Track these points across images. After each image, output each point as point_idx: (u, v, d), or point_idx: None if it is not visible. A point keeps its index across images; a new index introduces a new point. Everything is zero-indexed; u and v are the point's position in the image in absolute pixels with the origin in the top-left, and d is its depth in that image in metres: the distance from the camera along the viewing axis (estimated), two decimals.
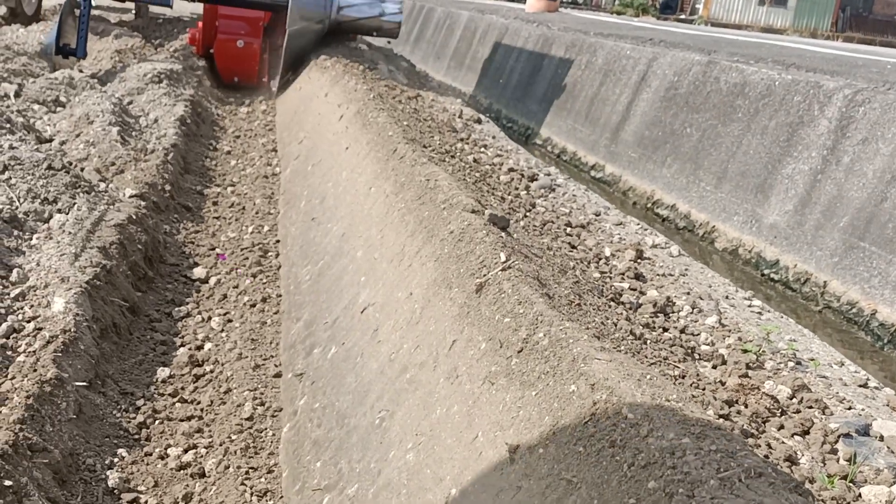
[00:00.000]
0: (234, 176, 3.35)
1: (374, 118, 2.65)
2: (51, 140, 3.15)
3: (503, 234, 1.86)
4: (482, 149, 3.35)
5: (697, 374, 1.73)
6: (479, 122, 3.99)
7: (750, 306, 2.35)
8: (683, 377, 1.68)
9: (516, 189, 2.92)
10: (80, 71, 4.69)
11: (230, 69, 5.83)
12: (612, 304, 2.00)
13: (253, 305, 2.68)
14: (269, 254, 2.98)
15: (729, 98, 5.09)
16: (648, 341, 1.78)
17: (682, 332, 2.04)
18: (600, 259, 2.49)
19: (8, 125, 2.84)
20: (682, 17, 40.12)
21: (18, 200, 2.57)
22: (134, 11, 5.82)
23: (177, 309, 2.67)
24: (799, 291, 3.91)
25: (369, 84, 3.24)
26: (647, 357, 1.65)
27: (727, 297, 2.38)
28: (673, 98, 5.61)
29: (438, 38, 11.12)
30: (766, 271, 4.20)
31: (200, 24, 5.91)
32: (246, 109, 4.55)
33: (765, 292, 4.09)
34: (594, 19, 10.23)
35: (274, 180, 3.25)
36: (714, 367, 1.85)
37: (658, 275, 2.43)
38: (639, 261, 2.54)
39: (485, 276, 1.59)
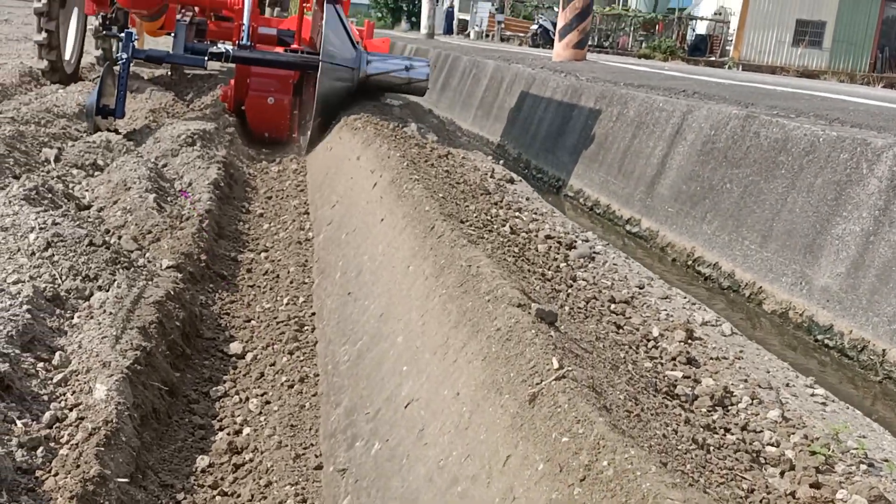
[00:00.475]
0: (268, 240, 3.31)
1: (409, 189, 2.59)
2: (89, 207, 3.14)
3: (552, 330, 1.77)
4: (517, 213, 3.28)
5: (766, 486, 1.62)
6: (511, 181, 3.93)
7: (813, 395, 2.22)
8: (752, 491, 1.56)
9: (555, 260, 2.83)
10: (117, 132, 4.73)
11: (261, 125, 5.88)
12: (668, 399, 1.89)
13: (291, 386, 2.61)
14: (305, 328, 2.91)
15: (770, 154, 4.98)
16: (712, 448, 1.67)
17: (743, 429, 1.92)
18: (649, 341, 2.38)
19: (50, 195, 2.83)
20: (713, 58, 40.22)
21: (61, 278, 2.54)
22: (169, 73, 5.87)
23: (214, 388, 2.61)
24: (856, 360, 3.75)
25: (401, 149, 3.19)
26: (713, 471, 1.54)
27: (788, 385, 2.26)
28: (710, 152, 5.51)
29: (465, 86, 11.17)
30: (819, 337, 4.05)
31: (232, 81, 5.97)
32: (277, 168, 4.54)
33: (819, 359, 3.94)
34: (623, 67, 10.20)
35: (307, 246, 3.20)
36: (782, 473, 1.74)
37: (711, 358, 2.32)
38: (689, 341, 2.43)
39: (537, 384, 1.50)
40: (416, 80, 5.58)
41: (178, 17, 5.57)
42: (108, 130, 4.83)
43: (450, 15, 39.33)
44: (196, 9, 5.93)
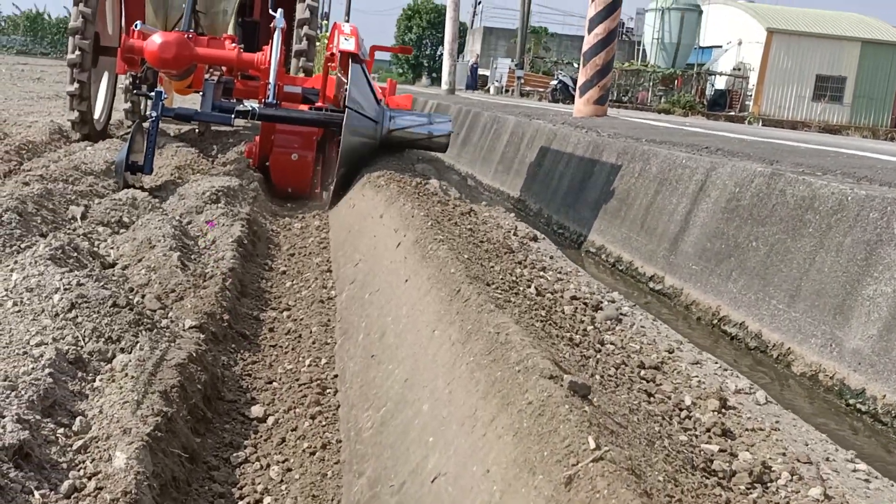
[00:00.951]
0: (290, 299, 3.29)
1: (433, 251, 2.56)
2: (114, 265, 3.14)
3: (586, 404, 1.71)
4: (541, 272, 3.24)
5: None
6: (534, 239, 3.90)
7: (854, 471, 2.13)
8: None
9: (582, 322, 2.77)
10: (143, 188, 4.77)
11: (285, 181, 5.94)
12: (706, 477, 1.81)
13: (313, 453, 2.55)
14: (328, 391, 2.86)
15: (797, 212, 4.93)
16: None
17: None
18: (682, 410, 2.30)
19: (75, 254, 2.83)
20: (732, 113, 40.30)
21: (84, 340, 2.52)
22: (198, 131, 5.96)
23: (235, 454, 2.55)
24: (890, 426, 3.62)
25: (425, 207, 3.18)
26: None
27: (828, 459, 2.17)
28: (735, 210, 5.46)
29: (485, 142, 11.26)
30: (851, 401, 3.93)
31: (257, 138, 6.04)
32: (300, 225, 4.54)
33: (851, 424, 3.82)
34: (644, 123, 10.25)
35: (330, 305, 3.17)
36: None
37: (747, 430, 2.24)
38: (724, 411, 2.35)
39: (573, 465, 1.44)
40: (438, 136, 5.62)
41: (206, 76, 5.68)
42: (135, 187, 4.88)
43: (473, 71, 40.00)
44: (223, 68, 6.04)
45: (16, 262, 2.53)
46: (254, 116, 5.37)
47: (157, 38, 5.41)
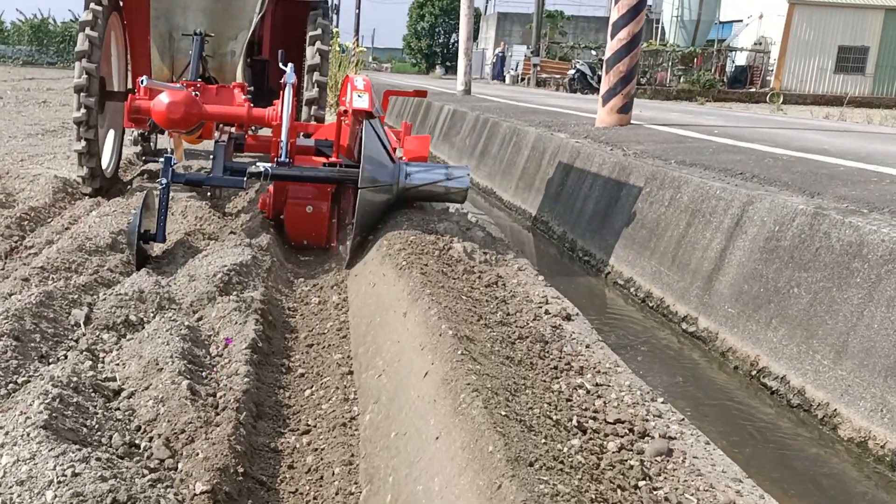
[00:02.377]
0: (309, 416, 3.08)
1: (467, 405, 2.32)
2: (120, 392, 2.96)
3: None
4: (579, 376, 3.00)
5: None
6: (568, 318, 3.65)
7: None
8: None
9: (631, 468, 2.46)
10: (153, 258, 4.60)
11: (300, 233, 5.75)
12: None
13: None
14: None
15: (843, 259, 4.63)
16: None
17: None
18: None
19: (76, 399, 2.63)
20: (753, 90, 39.49)
21: None
22: (209, 193, 5.77)
23: None
24: None
25: (452, 321, 2.94)
26: None
27: None
28: (775, 251, 5.17)
29: (505, 154, 10.97)
30: None
31: (271, 189, 5.84)
32: (317, 299, 4.33)
33: None
34: (668, 135, 9.90)
35: (352, 430, 2.95)
36: None
37: None
38: None
39: None
40: (455, 190, 5.39)
41: (217, 135, 5.48)
42: (147, 258, 4.72)
43: (501, 60, 39.54)
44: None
45: (7, 420, 2.35)
46: (267, 177, 5.17)
47: (164, 98, 5.21)
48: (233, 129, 5.93)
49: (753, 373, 4.94)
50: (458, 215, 5.52)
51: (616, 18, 10.06)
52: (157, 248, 4.92)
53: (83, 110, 6.38)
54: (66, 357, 3.19)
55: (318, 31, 6.71)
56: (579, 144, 8.84)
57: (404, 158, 5.97)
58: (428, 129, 16.02)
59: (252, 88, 6.73)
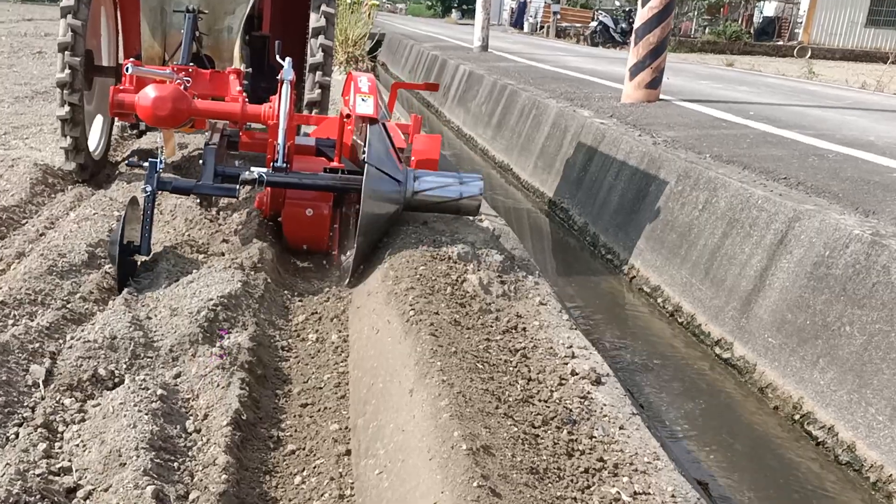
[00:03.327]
0: None
1: None
2: (76, 490, 2.54)
3: None
4: (613, 479, 2.56)
5: None
6: (598, 381, 3.20)
7: None
8: None
9: None
10: (132, 281, 4.14)
11: (299, 237, 5.29)
12: None
13: None
14: None
15: None
16: None
17: None
18: None
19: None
20: (781, 43, 38.19)
21: None
22: (199, 201, 5.26)
23: None
24: None
25: (465, 421, 2.49)
26: None
27: None
28: (824, 279, 4.65)
29: (523, 128, 10.35)
30: None
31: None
32: (314, 336, 3.89)
33: None
34: (702, 116, 9.25)
35: None
36: None
37: None
38: None
39: None
40: (468, 200, 4.86)
41: (207, 134, 4.93)
42: (130, 272, 4.26)
43: (522, 7, 38.17)
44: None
45: None
46: (262, 184, 4.67)
47: (150, 93, 4.68)
48: (226, 125, 5.39)
49: (796, 417, 4.48)
50: (472, 228, 5.01)
51: None
52: (143, 266, 4.44)
53: (67, 70, 5.84)
54: (16, 436, 2.76)
55: (322, 23, 6.08)
56: (604, 126, 8.23)
57: (413, 160, 5.43)
58: (443, 89, 15.32)
59: (250, 70, 6.15)
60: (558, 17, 35.04)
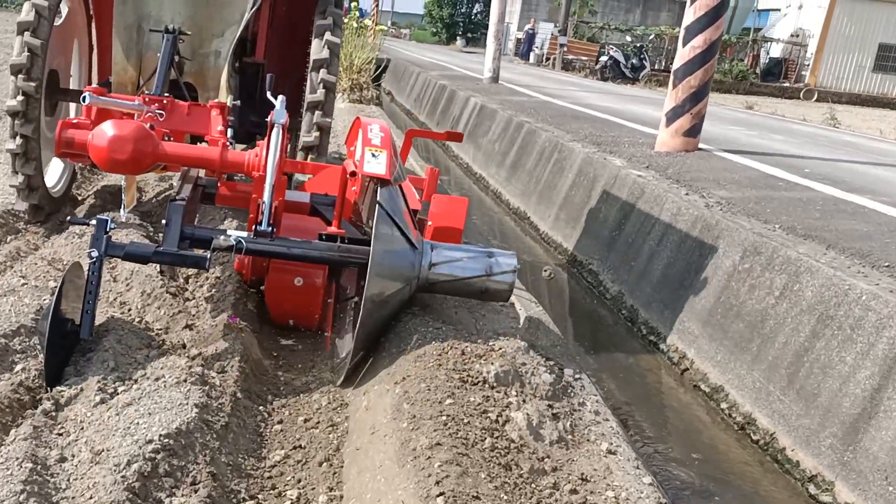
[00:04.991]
0: None
1: None
2: None
3: None
4: None
5: None
6: None
7: None
8: None
9: None
10: (58, 391, 3.06)
11: (285, 310, 4.25)
12: None
13: None
14: None
15: None
16: None
17: None
18: None
19: None
20: (787, 84, 37.63)
21: None
22: (159, 269, 4.14)
23: None
24: None
25: None
26: None
27: None
28: None
29: (543, 173, 9.29)
30: None
31: None
32: (295, 495, 2.78)
33: None
34: (750, 169, 8.20)
35: None
36: None
37: None
38: None
39: None
40: (499, 281, 3.80)
41: (176, 184, 3.83)
42: (63, 363, 3.22)
43: (530, 38, 37.35)
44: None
45: None
46: (241, 251, 3.57)
47: (107, 130, 3.64)
48: (201, 173, 4.30)
49: None
50: (502, 317, 3.91)
51: (690, 22, 8.33)
52: (86, 336, 3.37)
53: (20, 97, 4.80)
54: None
55: (325, 54, 5.03)
56: (643, 180, 7.16)
57: (429, 225, 4.34)
58: (450, 122, 14.29)
59: (238, 102, 5.08)
60: (565, 49, 34.26)
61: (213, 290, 4.20)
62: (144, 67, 5.29)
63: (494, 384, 3.07)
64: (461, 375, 3.05)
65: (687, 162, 8.06)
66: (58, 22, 5.58)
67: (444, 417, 2.73)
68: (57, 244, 4.56)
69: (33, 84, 4.83)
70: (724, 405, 4.97)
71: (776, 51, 39.34)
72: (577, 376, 3.47)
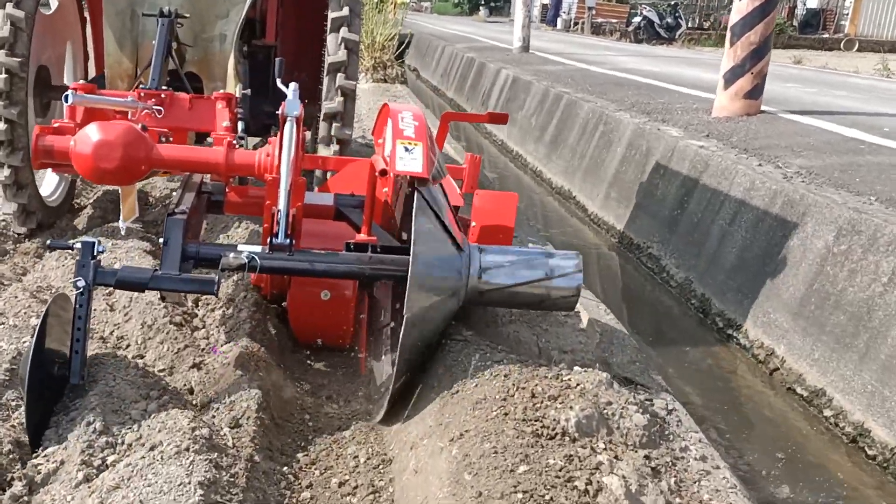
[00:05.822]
0: None
1: None
2: None
3: None
4: None
5: None
6: None
7: None
8: None
9: None
10: (33, 465, 2.54)
11: (311, 328, 3.68)
12: None
13: None
14: None
15: None
16: None
17: None
18: None
19: None
20: (826, 36, 36.11)
21: None
22: (160, 296, 3.52)
23: None
24: None
25: None
26: None
27: None
28: None
29: (588, 148, 8.53)
30: None
31: None
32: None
33: None
34: (824, 132, 7.37)
35: None
36: None
37: None
38: None
39: None
40: (561, 287, 3.14)
41: (174, 199, 3.19)
42: (50, 413, 2.68)
43: (556, 3, 36.14)
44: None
45: None
46: (254, 270, 2.95)
47: (91, 135, 3.07)
48: (206, 177, 3.67)
49: None
50: (568, 331, 3.25)
51: None
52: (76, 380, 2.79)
53: (3, 75, 4.26)
54: None
55: (345, 12, 4.36)
56: (706, 151, 6.40)
57: (473, 226, 3.68)
58: (481, 96, 13.54)
59: (248, 92, 4.45)
60: (593, 12, 33.05)
61: (227, 314, 3.59)
62: (141, 58, 4.69)
63: (577, 436, 2.41)
64: (534, 428, 2.40)
65: (751, 127, 7.26)
66: (47, 12, 5.02)
67: (519, 495, 2.08)
68: (48, 266, 3.98)
69: (17, 60, 4.27)
70: (826, 412, 4.26)
71: (813, 2, 37.78)
72: (670, 407, 2.81)
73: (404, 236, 3.50)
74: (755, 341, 4.98)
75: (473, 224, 3.68)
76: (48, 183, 5.08)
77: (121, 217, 4.02)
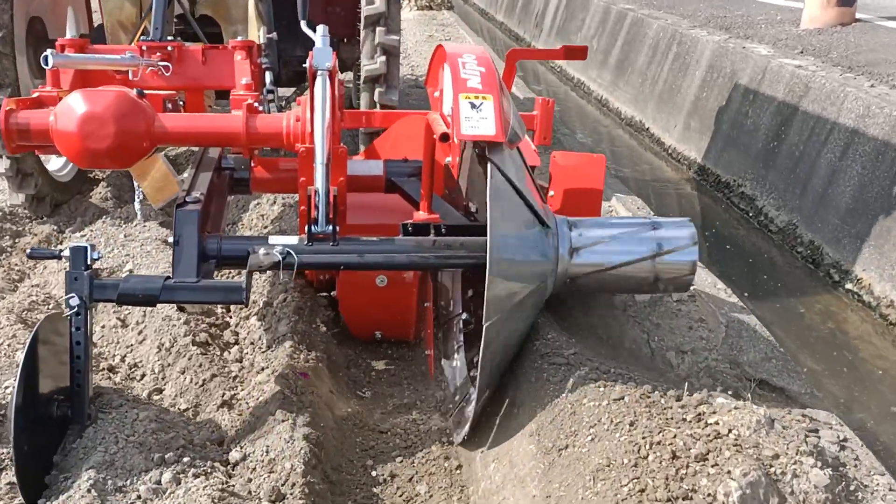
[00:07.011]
0: None
1: None
2: None
3: None
4: None
5: None
6: None
7: None
8: None
9: None
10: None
11: (365, 321, 3.14)
12: None
13: None
14: None
15: None
16: None
17: None
18: None
19: None
20: None
21: None
22: (177, 307, 2.94)
23: None
24: None
25: None
26: None
27: None
28: None
29: (660, 73, 7.66)
30: None
31: None
32: None
33: None
34: None
35: None
36: None
37: None
38: None
39: None
40: (672, 269, 2.49)
41: (184, 196, 2.57)
42: (48, 467, 2.17)
43: None
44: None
45: None
46: (290, 267, 2.36)
47: (75, 107, 2.48)
48: (225, 150, 3.05)
49: None
50: (683, 322, 2.64)
51: None
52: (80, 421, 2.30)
53: None
54: None
55: None
56: (804, 72, 5.53)
57: (552, 195, 3.02)
58: (534, 19, 12.55)
59: (274, 36, 3.80)
60: None
61: (264, 332, 2.97)
62: (146, 2, 4.02)
63: (700, 456, 1.79)
64: (665, 468, 1.78)
65: (850, 40, 6.32)
66: None
67: None
68: (49, 268, 3.44)
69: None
70: None
71: None
72: (840, 437, 2.17)
73: (471, 207, 2.88)
74: (882, 298, 4.27)
75: (552, 193, 3.02)
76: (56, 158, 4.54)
77: (136, 195, 3.45)
